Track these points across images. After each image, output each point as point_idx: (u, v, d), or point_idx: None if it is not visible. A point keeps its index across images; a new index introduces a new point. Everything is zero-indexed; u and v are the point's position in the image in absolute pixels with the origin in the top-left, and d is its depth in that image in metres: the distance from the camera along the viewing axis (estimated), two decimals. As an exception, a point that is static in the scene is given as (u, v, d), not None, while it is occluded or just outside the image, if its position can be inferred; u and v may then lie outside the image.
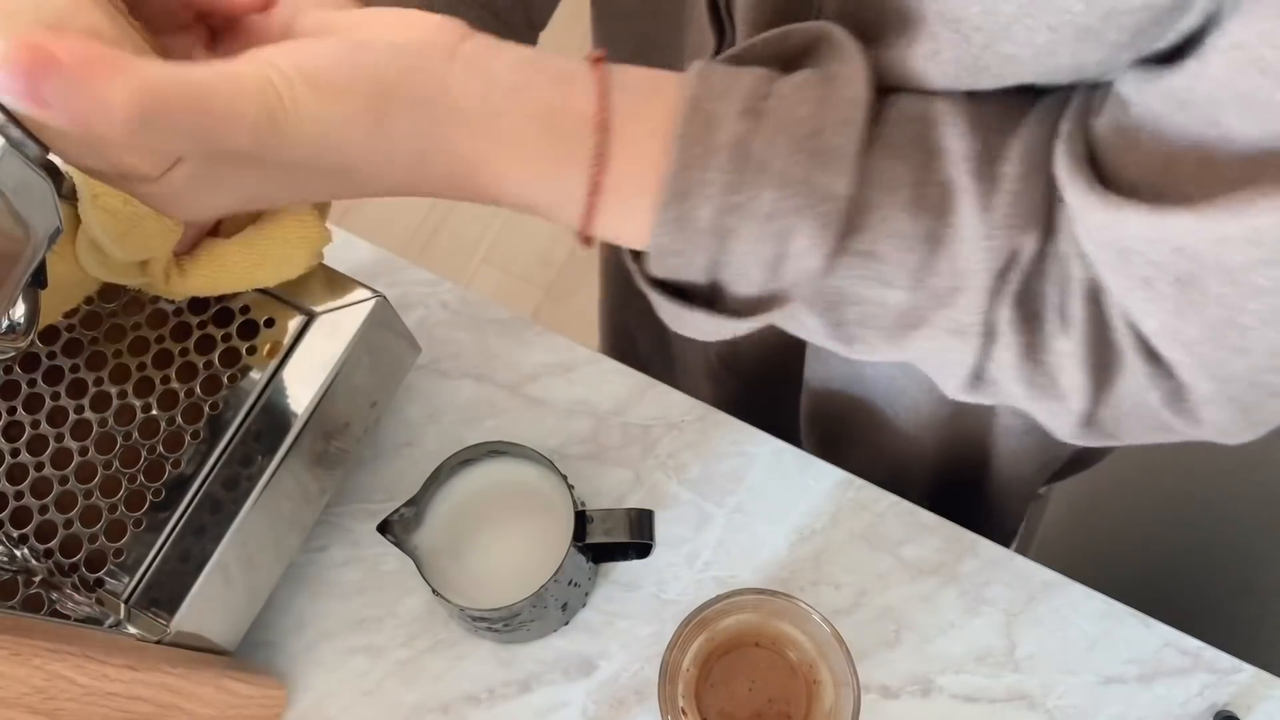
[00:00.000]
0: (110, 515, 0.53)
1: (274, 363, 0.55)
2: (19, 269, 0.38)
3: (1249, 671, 0.57)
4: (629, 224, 0.39)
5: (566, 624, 0.60)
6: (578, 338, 0.67)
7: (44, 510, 0.53)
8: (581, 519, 0.54)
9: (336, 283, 0.56)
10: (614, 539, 0.55)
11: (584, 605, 0.60)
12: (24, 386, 0.56)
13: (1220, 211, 0.34)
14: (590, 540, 0.54)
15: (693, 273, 0.40)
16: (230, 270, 0.53)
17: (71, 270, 0.53)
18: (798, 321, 0.42)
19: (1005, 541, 0.61)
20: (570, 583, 0.56)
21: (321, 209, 0.54)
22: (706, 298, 0.41)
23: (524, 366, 0.66)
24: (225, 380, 0.55)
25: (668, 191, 0.37)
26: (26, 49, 0.29)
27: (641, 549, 0.57)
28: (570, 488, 0.56)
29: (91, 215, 0.48)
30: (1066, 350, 0.39)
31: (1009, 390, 0.42)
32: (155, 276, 0.53)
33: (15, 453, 0.55)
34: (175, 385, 0.55)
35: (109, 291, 0.57)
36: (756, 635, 0.54)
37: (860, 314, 0.41)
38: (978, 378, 0.42)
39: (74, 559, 0.52)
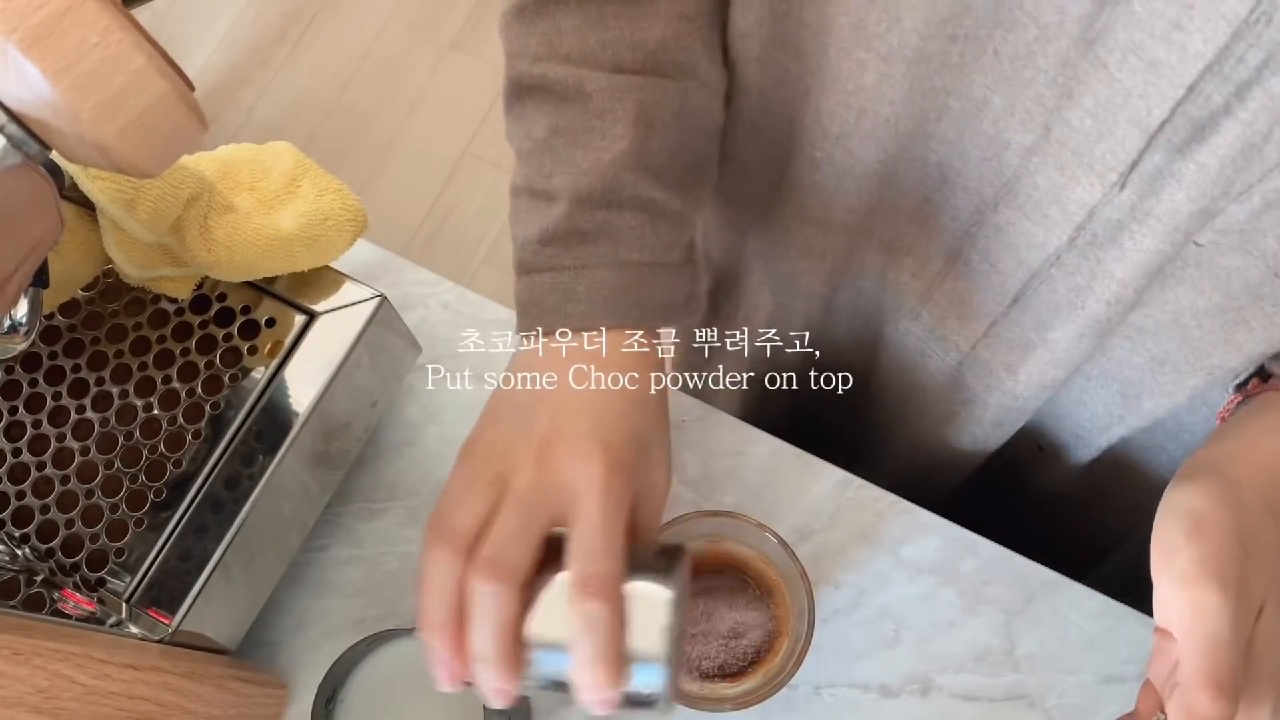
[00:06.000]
0: (112, 515, 0.53)
1: (275, 362, 0.55)
2: (27, 263, 0.38)
3: (1248, 671, 0.57)
4: None
5: None
6: (578, 337, 0.67)
7: (45, 510, 0.54)
8: None
9: (338, 283, 0.56)
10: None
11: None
12: (25, 386, 0.56)
13: None
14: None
15: None
16: (280, 249, 0.53)
17: (65, 265, 0.53)
18: None
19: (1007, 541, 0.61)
20: None
21: None
22: None
23: (524, 366, 0.66)
24: (226, 380, 0.55)
25: None
26: None
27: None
28: None
29: (93, 188, 0.48)
30: None
31: None
32: (194, 252, 0.52)
33: (17, 452, 0.55)
34: (177, 385, 0.55)
35: (110, 291, 0.57)
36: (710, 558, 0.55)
37: None
38: None
39: (75, 558, 0.52)
